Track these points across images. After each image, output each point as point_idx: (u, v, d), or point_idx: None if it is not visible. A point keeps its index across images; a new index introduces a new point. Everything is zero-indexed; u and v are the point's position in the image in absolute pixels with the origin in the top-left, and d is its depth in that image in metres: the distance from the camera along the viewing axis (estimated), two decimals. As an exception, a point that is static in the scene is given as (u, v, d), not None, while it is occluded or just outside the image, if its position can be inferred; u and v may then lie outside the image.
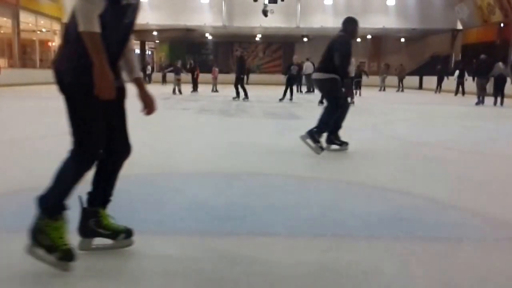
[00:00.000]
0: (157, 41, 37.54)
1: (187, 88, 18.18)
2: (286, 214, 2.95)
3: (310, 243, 2.48)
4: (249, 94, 14.52)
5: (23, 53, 24.71)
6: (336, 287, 1.98)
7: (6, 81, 18.01)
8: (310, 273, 2.07)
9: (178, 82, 17.34)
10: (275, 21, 28.03)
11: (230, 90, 15.37)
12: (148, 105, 2.23)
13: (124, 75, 2.18)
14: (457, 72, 21.05)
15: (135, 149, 2.21)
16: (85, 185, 2.08)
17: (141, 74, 2.35)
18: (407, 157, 5.26)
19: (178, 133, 6.81)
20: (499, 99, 13.92)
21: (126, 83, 2.16)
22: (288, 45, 34.87)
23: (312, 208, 3.11)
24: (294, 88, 15.96)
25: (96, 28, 1.81)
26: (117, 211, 2.28)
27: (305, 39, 33.23)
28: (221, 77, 20.50)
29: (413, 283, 2.03)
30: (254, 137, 6.73)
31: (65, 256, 1.98)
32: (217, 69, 20.38)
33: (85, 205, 2.15)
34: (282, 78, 16.35)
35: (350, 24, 5.29)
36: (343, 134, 5.46)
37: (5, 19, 23.33)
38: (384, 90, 24.40)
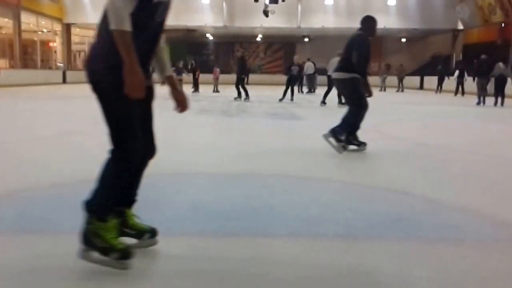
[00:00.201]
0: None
1: (188, 89, 18.19)
2: (287, 214, 2.95)
3: (310, 243, 2.48)
4: (250, 94, 14.53)
5: (24, 54, 24.76)
6: (336, 288, 1.98)
7: (5, 82, 18.05)
8: (310, 274, 2.07)
9: (179, 83, 17.35)
10: (276, 22, 28.06)
11: (231, 91, 15.36)
12: (181, 103, 2.24)
13: (156, 74, 2.16)
14: (457, 72, 21.07)
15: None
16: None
17: (172, 73, 2.34)
18: (407, 157, 5.25)
19: (178, 134, 6.81)
20: (499, 100, 13.91)
21: (155, 84, 2.14)
22: (289, 45, 34.85)
23: (312, 208, 3.11)
24: (295, 88, 15.95)
25: (127, 26, 1.80)
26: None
27: (306, 39, 33.24)
28: (222, 77, 20.49)
29: (414, 284, 2.03)
30: (255, 137, 6.73)
31: (123, 255, 2.00)
32: (218, 70, 20.37)
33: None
34: (283, 78, 16.34)
35: (368, 21, 5.31)
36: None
37: (6, 19, 23.39)
38: (384, 90, 24.42)
